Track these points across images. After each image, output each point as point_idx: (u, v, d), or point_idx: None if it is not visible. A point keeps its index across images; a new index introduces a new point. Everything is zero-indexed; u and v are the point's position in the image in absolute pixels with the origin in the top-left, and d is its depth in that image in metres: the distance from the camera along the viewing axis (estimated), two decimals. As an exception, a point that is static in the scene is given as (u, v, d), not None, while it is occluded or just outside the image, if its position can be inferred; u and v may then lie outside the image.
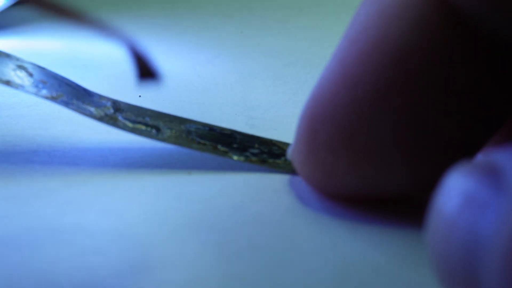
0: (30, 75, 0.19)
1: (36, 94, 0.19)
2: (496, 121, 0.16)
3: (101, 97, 0.20)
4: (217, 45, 0.31)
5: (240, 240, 0.16)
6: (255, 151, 0.20)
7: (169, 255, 0.15)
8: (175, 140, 0.20)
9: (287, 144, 0.20)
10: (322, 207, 0.17)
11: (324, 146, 0.16)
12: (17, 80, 0.19)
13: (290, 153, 0.18)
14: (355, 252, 0.15)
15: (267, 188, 0.18)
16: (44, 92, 0.19)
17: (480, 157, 0.16)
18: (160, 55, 0.30)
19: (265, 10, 0.36)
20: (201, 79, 0.27)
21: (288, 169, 0.19)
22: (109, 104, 0.20)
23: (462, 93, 0.15)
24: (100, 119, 0.19)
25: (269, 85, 0.26)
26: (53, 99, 0.19)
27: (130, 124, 0.20)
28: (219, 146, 0.20)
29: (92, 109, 0.19)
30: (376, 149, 0.16)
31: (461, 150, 0.16)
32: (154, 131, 0.20)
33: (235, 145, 0.20)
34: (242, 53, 0.30)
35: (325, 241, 0.16)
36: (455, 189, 0.11)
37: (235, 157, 0.19)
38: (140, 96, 0.25)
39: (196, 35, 0.32)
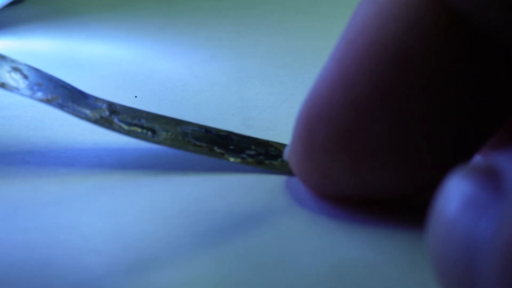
0: (25, 77, 0.19)
1: (31, 96, 0.19)
2: (495, 122, 0.16)
3: (96, 99, 0.20)
4: (214, 45, 0.31)
5: (236, 241, 0.16)
6: (252, 152, 0.20)
7: (164, 256, 0.15)
8: (171, 142, 0.19)
9: (283, 145, 0.20)
10: (318, 208, 0.17)
11: (321, 146, 0.16)
12: (12, 83, 0.19)
13: (286, 153, 0.18)
14: (351, 253, 0.15)
15: (263, 189, 0.18)
16: (39, 94, 0.19)
17: (480, 160, 0.16)
18: (157, 55, 0.30)
19: (262, 10, 0.36)
20: (197, 80, 0.27)
21: (284, 170, 0.19)
22: (104, 106, 0.20)
23: (460, 93, 0.15)
24: (96, 121, 0.19)
25: (265, 85, 0.26)
26: (48, 101, 0.19)
27: (125, 127, 0.19)
28: (216, 148, 0.20)
29: (88, 111, 0.19)
30: (373, 150, 0.16)
31: (459, 151, 0.16)
32: (149, 133, 0.19)
33: (231, 147, 0.20)
34: (238, 53, 0.30)
35: (321, 242, 0.16)
36: (455, 192, 0.11)
37: (232, 159, 0.19)
38: (136, 96, 0.25)
39: (192, 35, 0.32)
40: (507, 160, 0.10)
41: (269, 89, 0.26)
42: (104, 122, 0.19)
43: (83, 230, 0.16)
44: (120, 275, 0.15)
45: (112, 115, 0.20)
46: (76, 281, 0.14)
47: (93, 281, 0.14)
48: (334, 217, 0.17)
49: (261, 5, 0.37)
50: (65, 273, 0.14)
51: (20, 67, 0.19)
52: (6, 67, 0.19)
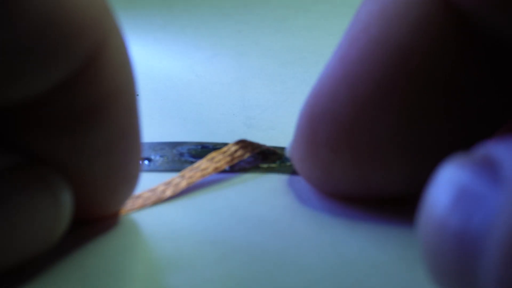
0: None
1: None
2: (497, 121, 0.16)
3: None
4: (215, 44, 0.31)
5: (239, 239, 0.16)
6: (250, 159, 0.20)
7: (166, 255, 0.15)
8: (167, 164, 0.20)
9: (282, 149, 0.20)
10: (321, 206, 0.17)
11: (323, 144, 0.16)
12: None
13: (289, 151, 0.18)
14: (353, 251, 0.15)
15: (266, 187, 0.18)
16: None
17: (476, 151, 0.16)
18: (158, 55, 0.29)
19: (263, 9, 0.36)
20: (199, 79, 0.27)
21: (284, 171, 0.19)
22: None
23: (463, 92, 0.15)
24: None
25: (267, 84, 0.26)
26: None
27: None
28: None
29: None
30: (376, 148, 0.16)
31: (462, 149, 0.16)
32: (146, 162, 0.20)
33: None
34: (240, 52, 0.30)
35: (323, 240, 0.16)
36: (449, 181, 0.10)
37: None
38: (137, 95, 0.25)
39: (193, 34, 0.32)
40: (504, 149, 0.10)
41: (270, 88, 0.26)
42: None
43: (85, 230, 0.16)
44: (122, 275, 0.15)
45: None
46: (80, 281, 0.14)
47: (96, 281, 0.14)
48: (336, 215, 0.17)
49: (262, 4, 0.37)
50: (68, 274, 0.14)
51: None
52: None
